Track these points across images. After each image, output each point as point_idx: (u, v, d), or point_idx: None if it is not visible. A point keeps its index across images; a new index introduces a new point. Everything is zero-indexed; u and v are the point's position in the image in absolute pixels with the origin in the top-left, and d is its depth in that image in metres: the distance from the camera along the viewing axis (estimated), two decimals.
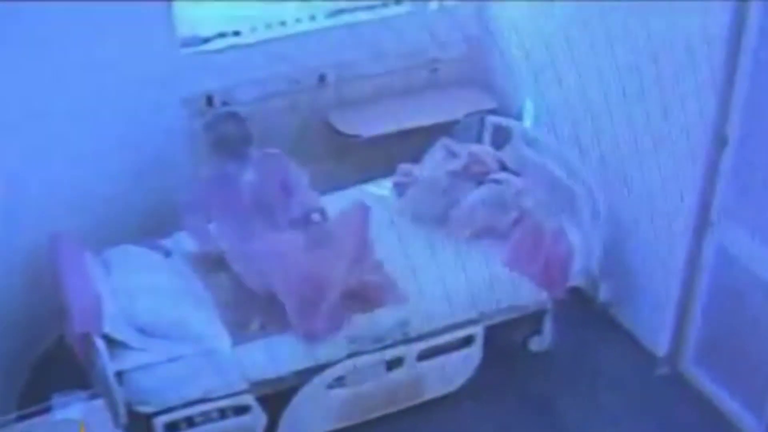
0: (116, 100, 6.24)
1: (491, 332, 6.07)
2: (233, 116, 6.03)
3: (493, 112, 7.28)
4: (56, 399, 5.03)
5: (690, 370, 6.25)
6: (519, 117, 7.25)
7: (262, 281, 5.69)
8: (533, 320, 6.35)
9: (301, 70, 7.17)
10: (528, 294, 6.08)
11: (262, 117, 6.78)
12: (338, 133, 7.20)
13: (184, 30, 6.76)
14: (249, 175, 6.00)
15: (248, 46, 7.01)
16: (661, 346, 6.34)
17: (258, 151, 6.04)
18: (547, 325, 6.39)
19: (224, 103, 6.93)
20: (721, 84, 5.36)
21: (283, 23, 7.18)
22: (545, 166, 6.57)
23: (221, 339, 5.47)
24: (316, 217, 5.99)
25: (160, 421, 5.30)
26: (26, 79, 5.77)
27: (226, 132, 5.94)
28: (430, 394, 6.05)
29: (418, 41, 7.51)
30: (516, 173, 6.53)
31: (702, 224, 5.81)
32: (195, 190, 6.13)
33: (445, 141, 6.74)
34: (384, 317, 5.72)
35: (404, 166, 6.67)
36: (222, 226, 6.08)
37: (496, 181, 6.35)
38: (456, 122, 7.39)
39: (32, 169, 5.88)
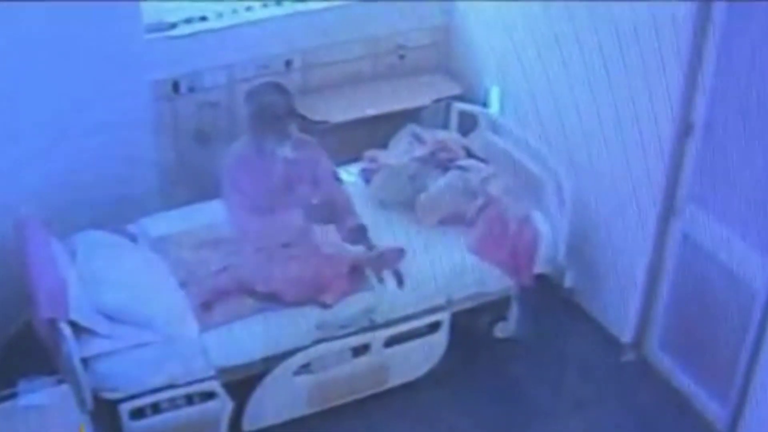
0: (81, 86, 6.18)
1: (457, 319, 6.09)
2: (277, 87, 5.76)
3: (459, 98, 7.30)
4: (22, 384, 5.01)
5: (655, 357, 6.30)
6: (485, 104, 7.26)
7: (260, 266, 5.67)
8: (499, 307, 6.37)
9: (268, 56, 7.15)
10: (494, 281, 6.10)
11: (229, 103, 6.76)
12: (304, 119, 7.17)
13: (150, 15, 6.72)
14: (286, 152, 5.74)
15: (215, 31, 6.96)
16: (626, 333, 6.37)
17: (296, 133, 5.83)
18: (513, 312, 6.41)
19: (190, 89, 6.91)
20: (687, 70, 5.38)
21: (249, 8, 7.15)
22: (511, 152, 6.58)
23: (188, 326, 5.46)
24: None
25: (125, 408, 5.28)
26: None
27: (268, 103, 5.64)
28: (396, 381, 6.06)
29: (384, 27, 7.51)
30: (482, 160, 6.54)
31: (667, 210, 5.84)
32: (228, 161, 5.80)
33: (411, 127, 6.76)
34: (350, 304, 5.72)
35: (370, 153, 6.66)
36: (241, 201, 5.78)
37: (463, 168, 6.35)
38: (423, 109, 7.40)
39: None
